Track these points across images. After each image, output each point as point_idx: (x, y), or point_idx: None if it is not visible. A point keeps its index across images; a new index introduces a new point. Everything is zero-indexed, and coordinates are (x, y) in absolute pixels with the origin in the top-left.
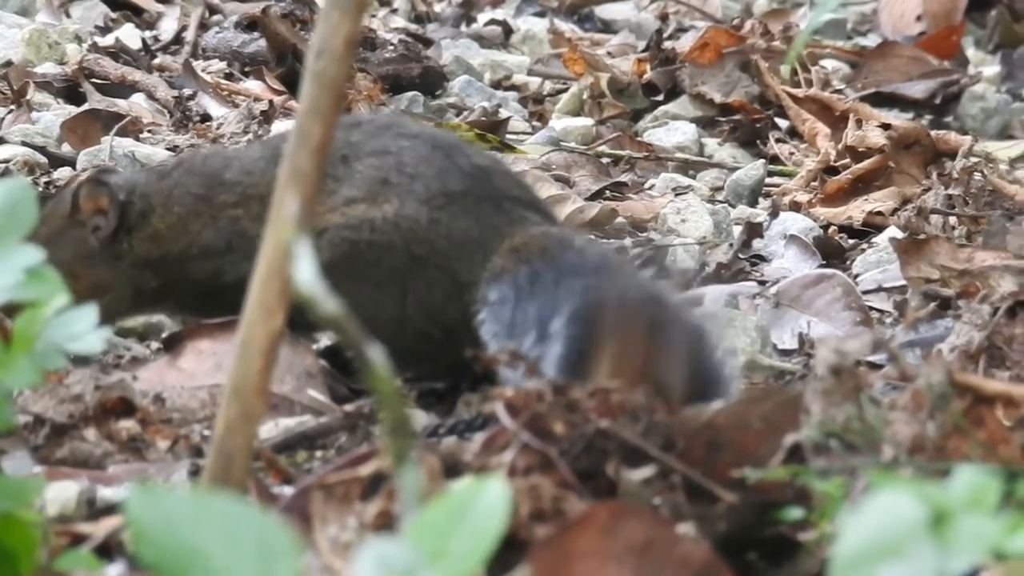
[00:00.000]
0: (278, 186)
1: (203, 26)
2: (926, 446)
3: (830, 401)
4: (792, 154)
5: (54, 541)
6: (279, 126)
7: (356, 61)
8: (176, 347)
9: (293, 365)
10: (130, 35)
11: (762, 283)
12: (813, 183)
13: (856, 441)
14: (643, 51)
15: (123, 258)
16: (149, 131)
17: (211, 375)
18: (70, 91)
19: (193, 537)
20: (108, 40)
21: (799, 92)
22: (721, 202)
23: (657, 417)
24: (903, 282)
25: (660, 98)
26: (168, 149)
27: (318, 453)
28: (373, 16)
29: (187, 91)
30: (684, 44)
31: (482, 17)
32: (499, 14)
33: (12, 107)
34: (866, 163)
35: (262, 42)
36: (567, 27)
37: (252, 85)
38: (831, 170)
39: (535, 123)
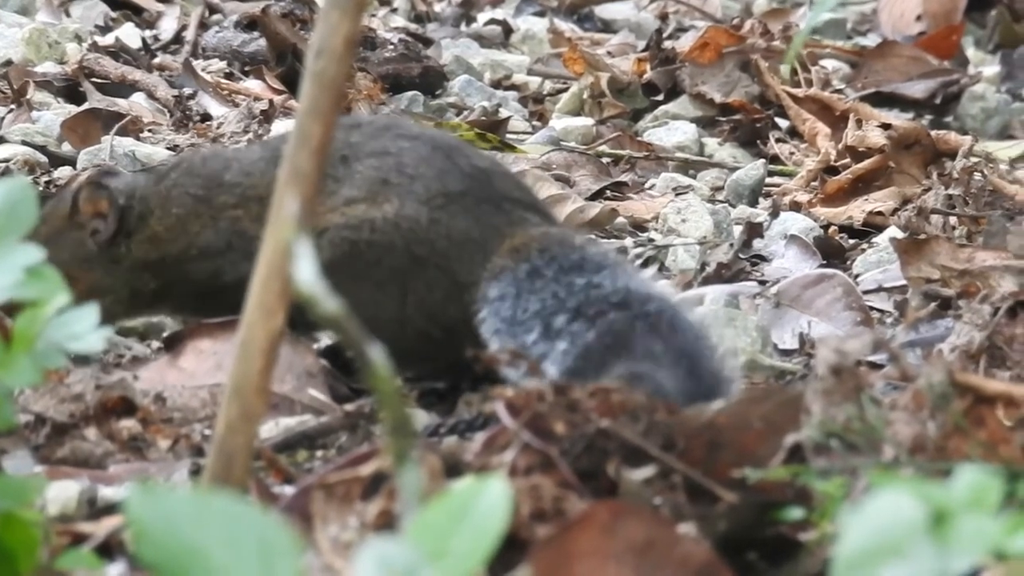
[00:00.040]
0: (278, 186)
1: (203, 25)
2: (927, 446)
3: (831, 401)
4: (792, 154)
5: (55, 540)
6: (279, 126)
7: (356, 61)
8: (177, 347)
9: (294, 365)
10: (130, 34)
11: (762, 283)
12: (813, 183)
13: (857, 441)
14: (643, 51)
15: (120, 261)
16: (149, 130)
17: (212, 375)
18: (70, 90)
19: (194, 537)
20: (108, 39)
21: (799, 92)
22: (721, 202)
23: (658, 417)
24: (903, 282)
25: (660, 98)
26: (168, 148)
27: (319, 453)
28: (373, 16)
29: (187, 90)
30: (684, 44)
31: (482, 17)
32: (499, 14)
33: (12, 106)
34: (866, 163)
35: (262, 42)
36: (567, 27)
37: (252, 85)
38: (831, 170)
39: (535, 123)
